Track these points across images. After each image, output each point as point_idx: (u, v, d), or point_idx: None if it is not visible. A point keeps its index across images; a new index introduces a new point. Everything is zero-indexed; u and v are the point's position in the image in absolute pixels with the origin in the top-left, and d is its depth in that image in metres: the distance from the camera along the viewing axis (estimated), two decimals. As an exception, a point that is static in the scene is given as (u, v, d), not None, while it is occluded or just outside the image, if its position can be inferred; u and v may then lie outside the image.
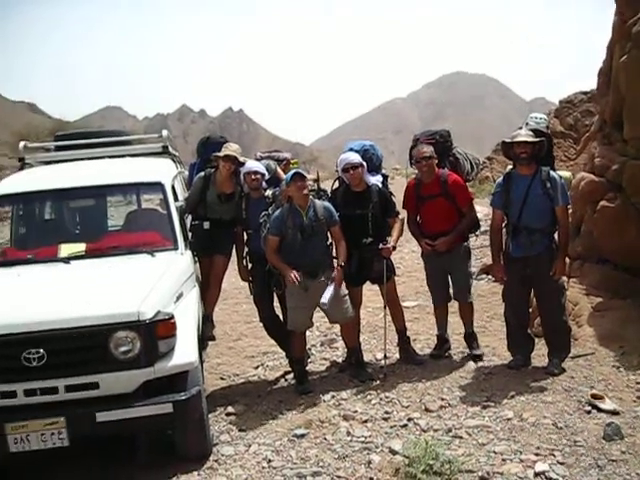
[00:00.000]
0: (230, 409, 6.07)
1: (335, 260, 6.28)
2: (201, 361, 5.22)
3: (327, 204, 6.25)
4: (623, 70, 7.46)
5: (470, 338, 6.90)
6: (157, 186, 6.32)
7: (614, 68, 7.99)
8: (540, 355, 6.52)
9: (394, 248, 6.41)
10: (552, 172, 6.07)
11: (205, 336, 6.55)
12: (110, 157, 7.15)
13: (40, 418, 4.41)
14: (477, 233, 7.12)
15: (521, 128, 6.43)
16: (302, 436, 5.32)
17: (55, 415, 4.41)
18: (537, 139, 6.03)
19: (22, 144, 7.39)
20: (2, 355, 4.46)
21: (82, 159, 7.07)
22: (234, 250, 6.79)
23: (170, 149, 7.45)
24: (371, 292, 7.39)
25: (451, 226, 6.50)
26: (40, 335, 4.39)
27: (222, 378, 7.09)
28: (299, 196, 6.05)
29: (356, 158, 6.36)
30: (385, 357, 6.71)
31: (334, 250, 6.36)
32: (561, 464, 4.52)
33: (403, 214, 6.74)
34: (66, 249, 5.73)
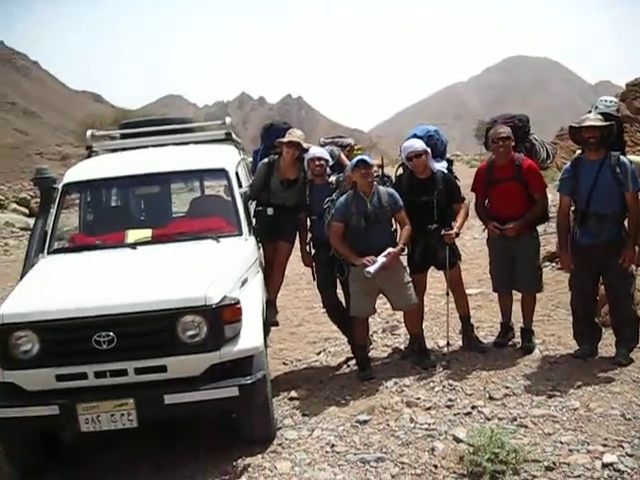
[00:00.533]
0: (293, 394, 6.14)
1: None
2: (265, 346, 5.27)
3: (391, 190, 6.21)
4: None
5: (527, 333, 6.69)
6: (221, 172, 6.37)
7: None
8: (607, 345, 6.37)
9: (457, 234, 6.34)
10: (622, 157, 5.90)
11: (268, 321, 6.61)
12: (174, 144, 7.24)
13: (110, 399, 4.53)
14: (544, 225, 6.93)
15: (590, 112, 6.27)
16: (365, 422, 5.34)
17: (125, 397, 4.52)
18: (606, 123, 5.86)
19: (89, 132, 7.52)
20: (74, 338, 4.60)
21: (147, 147, 7.18)
22: (297, 236, 6.82)
23: (233, 136, 7.50)
24: (433, 279, 7.34)
25: (520, 212, 6.29)
26: (110, 319, 4.50)
27: (285, 363, 7.17)
28: (363, 183, 6.04)
29: (420, 146, 6.30)
30: (448, 344, 6.67)
31: (398, 237, 6.31)
32: (630, 456, 4.42)
33: (468, 200, 6.66)
34: (133, 235, 5.85)
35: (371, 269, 5.87)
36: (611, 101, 6.43)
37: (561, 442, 4.69)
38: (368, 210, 6.05)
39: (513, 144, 6.31)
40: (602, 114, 6.08)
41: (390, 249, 6.01)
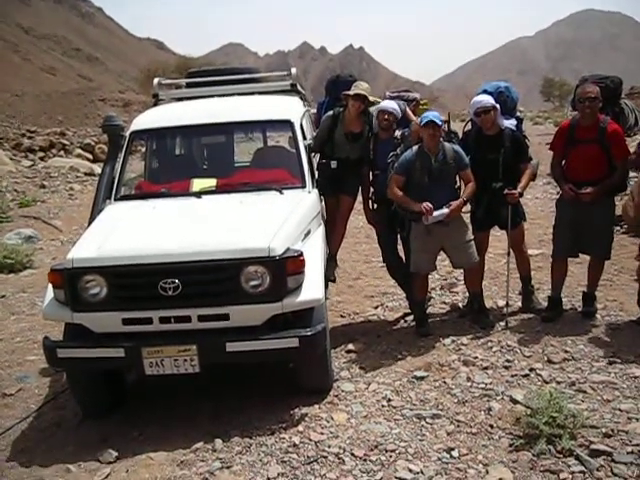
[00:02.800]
0: (350, 347, 6.20)
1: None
2: (325, 298, 5.32)
3: (457, 147, 6.12)
4: None
5: (589, 298, 6.56)
6: (286, 124, 6.36)
7: None
8: (673, 313, 6.25)
9: (521, 194, 6.22)
10: None
11: (328, 275, 6.67)
12: (239, 94, 7.24)
13: (174, 344, 4.64)
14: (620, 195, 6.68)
15: None
16: (422, 378, 5.38)
17: (188, 343, 4.62)
18: None
19: (156, 81, 7.55)
20: (140, 284, 4.69)
21: (212, 96, 7.19)
22: (360, 191, 6.80)
23: (298, 87, 7.47)
24: (493, 238, 7.25)
25: (598, 177, 6.03)
26: (176, 266, 4.58)
27: (342, 316, 7.21)
28: (430, 142, 5.97)
29: (489, 101, 6.17)
30: (507, 305, 6.60)
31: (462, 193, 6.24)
32: (691, 428, 4.36)
33: (535, 161, 6.51)
34: (198, 184, 5.91)
35: (430, 218, 5.84)
36: None
37: (620, 410, 4.64)
38: (432, 167, 5.99)
39: (601, 105, 6.03)
40: None
41: (452, 202, 5.97)
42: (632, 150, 6.14)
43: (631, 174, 8.16)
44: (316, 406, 5.02)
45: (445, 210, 5.90)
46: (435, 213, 5.86)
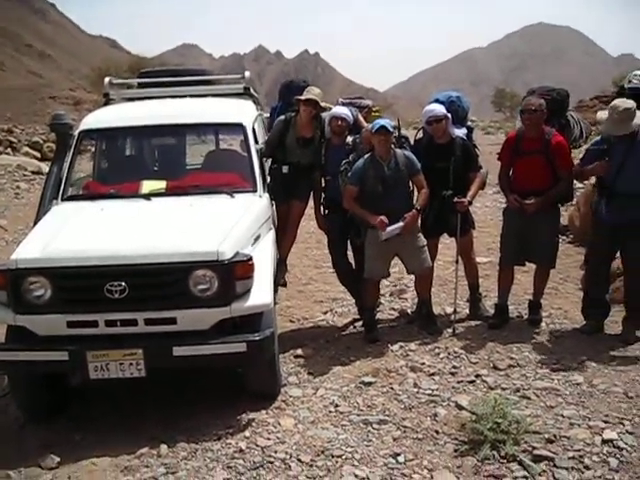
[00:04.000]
0: (299, 352, 6.18)
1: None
2: (274, 303, 5.30)
3: (408, 153, 6.18)
4: None
5: (534, 306, 6.69)
6: (238, 127, 6.32)
7: None
8: (613, 322, 6.39)
9: (470, 203, 6.31)
10: None
11: (277, 280, 6.65)
12: (192, 96, 7.19)
13: (120, 348, 4.57)
14: (566, 205, 6.83)
15: (622, 88, 6.15)
16: (369, 384, 5.39)
17: (134, 346, 4.56)
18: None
19: (107, 80, 7.46)
20: (85, 286, 4.62)
21: (164, 97, 7.13)
22: (311, 196, 6.81)
23: (251, 91, 7.45)
24: (442, 245, 7.34)
25: (543, 187, 6.15)
26: (123, 268, 4.52)
27: (291, 321, 7.20)
28: (382, 149, 6.01)
29: (440, 111, 6.25)
30: (455, 312, 6.68)
31: (415, 200, 6.29)
32: (630, 434, 4.45)
33: (485, 169, 6.61)
34: (147, 186, 5.82)
35: (385, 233, 5.88)
36: None
37: (562, 416, 4.74)
38: (385, 174, 6.03)
39: (546, 117, 6.13)
40: (635, 89, 5.97)
41: (407, 214, 6.01)
42: (577, 162, 6.28)
43: (577, 185, 8.35)
44: (263, 411, 5.00)
45: (400, 224, 5.95)
46: (389, 228, 5.90)
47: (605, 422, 4.62)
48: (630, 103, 5.71)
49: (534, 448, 4.27)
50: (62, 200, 5.81)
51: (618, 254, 6.25)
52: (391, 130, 5.98)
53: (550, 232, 6.38)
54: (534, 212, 6.13)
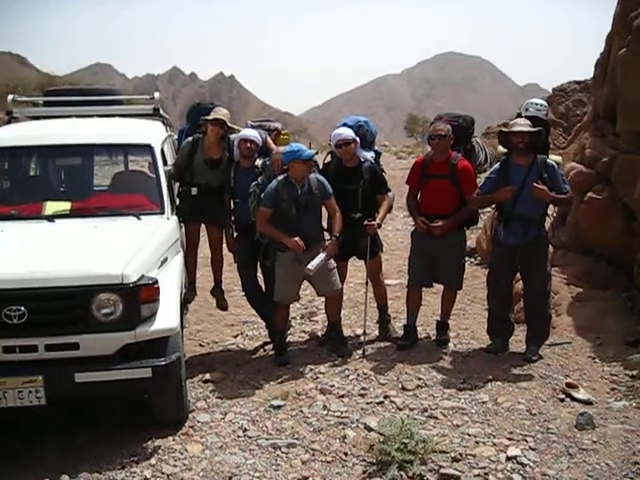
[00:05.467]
0: (208, 376, 6.08)
1: (327, 233, 6.36)
2: (182, 327, 5.22)
3: (321, 177, 6.22)
4: (621, 63, 7.46)
5: (442, 327, 6.81)
6: (146, 148, 6.25)
7: (612, 60, 7.98)
8: (518, 341, 6.58)
9: (379, 225, 6.41)
10: (549, 160, 6.03)
11: (218, 305, 6.92)
12: (100, 116, 7.06)
13: (18, 375, 4.38)
14: (472, 228, 7.05)
15: (520, 114, 6.39)
16: (278, 407, 5.36)
17: (34, 373, 4.37)
18: (535, 129, 5.96)
19: (10, 97, 7.27)
20: None
21: (71, 116, 6.97)
22: None
23: (161, 112, 7.38)
24: (352, 267, 7.42)
25: (450, 211, 6.34)
26: (22, 292, 4.35)
27: (201, 345, 7.10)
28: (299, 175, 6.04)
29: (349, 134, 6.34)
30: (364, 334, 6.73)
31: (325, 224, 6.38)
32: (533, 450, 4.59)
33: (393, 192, 6.73)
34: (51, 207, 5.66)
35: (311, 266, 5.91)
36: (542, 105, 6.52)
37: (468, 434, 4.83)
38: (299, 197, 6.05)
39: (451, 142, 6.33)
40: (532, 117, 6.21)
41: (328, 243, 6.12)
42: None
43: (485, 209, 8.60)
44: (170, 438, 4.89)
45: (322, 255, 5.99)
46: (314, 262, 5.92)
47: (509, 439, 4.74)
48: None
49: (440, 467, 4.33)
50: (-40, 220, 5.56)
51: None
52: (311, 157, 6.06)
53: (456, 254, 6.56)
54: (441, 234, 6.28)
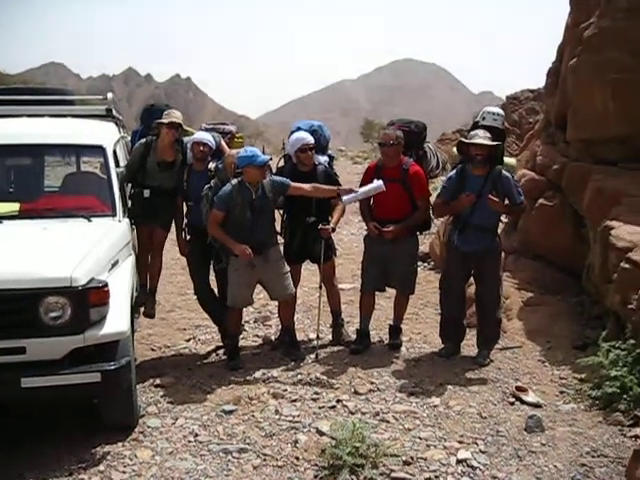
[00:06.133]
0: (159, 381, 6.01)
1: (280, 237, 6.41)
2: (132, 331, 5.15)
3: (274, 178, 6.20)
4: (571, 73, 7.61)
5: (394, 331, 6.84)
6: (98, 149, 6.17)
7: (563, 70, 8.14)
8: (470, 345, 6.65)
9: (333, 229, 6.42)
10: (504, 171, 6.10)
11: (147, 312, 6.66)
12: (52, 116, 6.94)
13: None
14: (426, 233, 7.13)
15: (476, 123, 6.45)
16: (230, 412, 5.32)
17: (-23, 378, 4.28)
18: (494, 143, 6.05)
19: None
20: None
21: (21, 116, 6.84)
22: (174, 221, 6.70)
23: (114, 113, 7.28)
24: (307, 271, 7.41)
25: (402, 215, 6.38)
26: None
27: (153, 349, 7.00)
28: (254, 179, 6.01)
29: (311, 139, 6.35)
30: (318, 338, 6.74)
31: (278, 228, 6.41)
32: (483, 453, 4.64)
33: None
34: (-1, 207, 5.56)
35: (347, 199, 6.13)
36: (498, 114, 6.53)
37: (420, 438, 4.85)
38: (254, 201, 6.02)
39: (402, 148, 6.37)
40: (489, 127, 6.27)
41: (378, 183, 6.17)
42: (434, 192, 6.54)
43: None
44: (120, 444, 4.81)
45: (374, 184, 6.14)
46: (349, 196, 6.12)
47: (460, 442, 4.79)
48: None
49: (392, 471, 4.36)
50: None
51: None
52: (267, 163, 6.06)
53: (408, 259, 6.60)
54: (393, 239, 6.32)
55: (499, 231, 6.51)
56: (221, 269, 6.37)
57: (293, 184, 6.12)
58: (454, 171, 6.31)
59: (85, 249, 4.81)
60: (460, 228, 6.23)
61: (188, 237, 6.65)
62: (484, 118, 6.50)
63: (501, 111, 6.76)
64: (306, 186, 6.14)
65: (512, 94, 19.59)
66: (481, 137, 6.04)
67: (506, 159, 6.63)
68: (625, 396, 5.13)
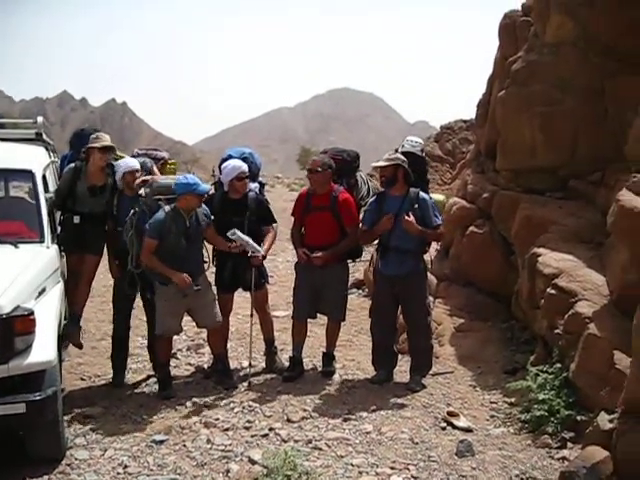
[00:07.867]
0: (88, 411, 5.87)
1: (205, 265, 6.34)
2: (60, 360, 5.03)
3: (204, 207, 6.19)
4: (500, 104, 7.85)
5: (328, 358, 6.85)
6: (27, 174, 6.06)
7: (492, 101, 8.39)
8: (402, 371, 6.70)
9: (264, 257, 6.42)
10: (422, 193, 6.26)
11: (70, 337, 6.40)
12: None
13: None
14: (357, 260, 7.22)
15: (396, 151, 6.61)
16: (161, 442, 5.23)
17: None
18: (389, 163, 6.20)
19: None
20: None
21: None
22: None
23: (44, 136, 7.16)
24: (241, 299, 7.37)
25: (332, 242, 6.43)
26: None
27: (82, 379, 6.83)
28: (190, 207, 5.99)
29: (246, 167, 6.38)
30: (250, 365, 6.70)
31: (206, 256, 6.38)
32: (415, 478, 4.66)
33: (278, 224, 6.76)
34: None
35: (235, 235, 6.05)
36: (416, 141, 6.81)
37: (352, 464, 4.85)
38: (188, 229, 5.98)
39: (337, 176, 6.49)
40: (406, 153, 6.44)
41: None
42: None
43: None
44: (46, 477, 4.69)
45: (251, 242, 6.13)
46: (243, 236, 6.07)
47: (392, 468, 4.80)
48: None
49: (320, 498, 4.33)
50: None
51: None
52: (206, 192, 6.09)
53: (339, 285, 6.66)
54: (322, 265, 6.37)
55: (427, 257, 6.61)
56: (149, 297, 6.31)
57: (211, 229, 6.23)
58: (374, 197, 6.47)
59: (11, 276, 4.71)
60: (382, 251, 6.35)
61: (117, 262, 6.54)
62: (403, 145, 6.70)
63: (419, 139, 6.97)
64: (212, 233, 6.26)
65: (446, 124, 20.00)
66: (382, 160, 6.25)
67: (434, 195, 6.83)
68: (553, 419, 5.26)
